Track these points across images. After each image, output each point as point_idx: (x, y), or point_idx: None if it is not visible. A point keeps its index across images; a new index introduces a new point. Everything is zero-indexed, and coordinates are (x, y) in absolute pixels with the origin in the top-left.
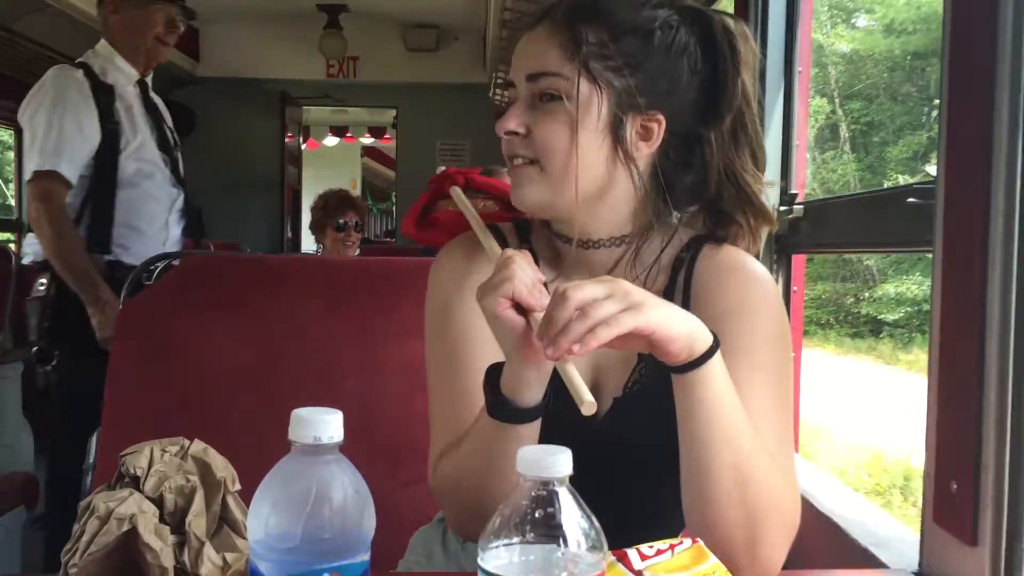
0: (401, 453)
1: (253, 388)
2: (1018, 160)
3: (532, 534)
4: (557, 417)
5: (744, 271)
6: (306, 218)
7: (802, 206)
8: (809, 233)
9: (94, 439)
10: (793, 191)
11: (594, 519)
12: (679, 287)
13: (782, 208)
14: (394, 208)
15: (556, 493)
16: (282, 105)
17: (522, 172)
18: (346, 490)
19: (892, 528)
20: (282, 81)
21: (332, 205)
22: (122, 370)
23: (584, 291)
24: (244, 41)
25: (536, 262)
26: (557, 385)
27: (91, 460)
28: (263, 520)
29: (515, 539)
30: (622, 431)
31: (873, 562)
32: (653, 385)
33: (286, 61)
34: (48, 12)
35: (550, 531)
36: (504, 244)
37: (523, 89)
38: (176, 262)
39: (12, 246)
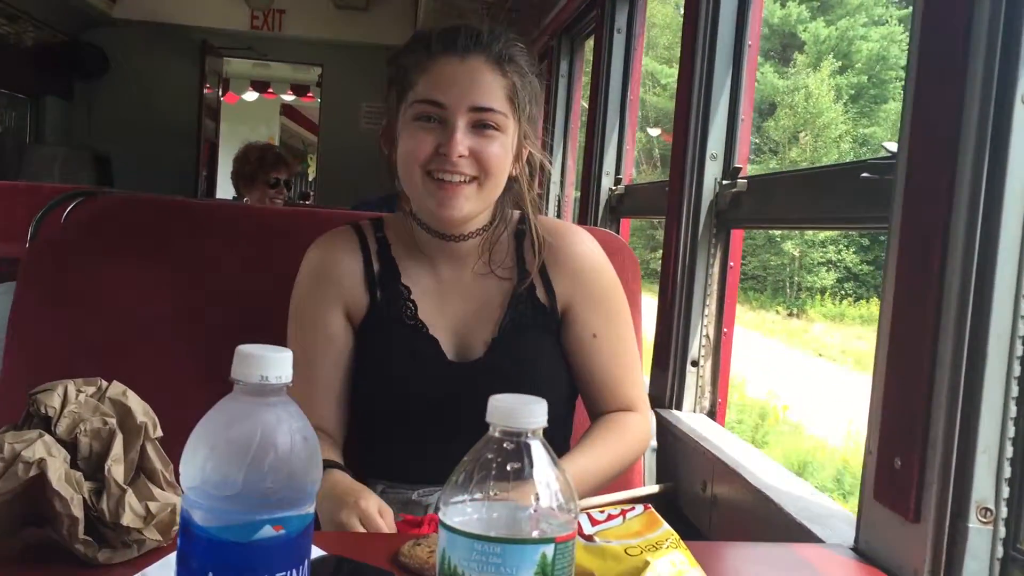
0: None
1: (171, 337)
2: (988, 135)
3: (498, 490)
4: (436, 363)
5: (571, 233)
6: (223, 170)
7: (745, 180)
8: (752, 208)
9: None
10: (736, 165)
11: (567, 476)
12: (527, 252)
13: (724, 182)
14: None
15: (528, 446)
16: (202, 55)
17: (461, 189)
18: (293, 436)
19: (827, 505)
20: (204, 29)
21: (268, 160)
22: (25, 312)
23: None
24: None
25: (389, 249)
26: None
27: None
28: (200, 464)
29: (478, 495)
30: (501, 365)
31: (809, 537)
32: (520, 326)
33: (209, 8)
34: None
35: (519, 487)
36: (363, 237)
37: (461, 114)
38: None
39: None
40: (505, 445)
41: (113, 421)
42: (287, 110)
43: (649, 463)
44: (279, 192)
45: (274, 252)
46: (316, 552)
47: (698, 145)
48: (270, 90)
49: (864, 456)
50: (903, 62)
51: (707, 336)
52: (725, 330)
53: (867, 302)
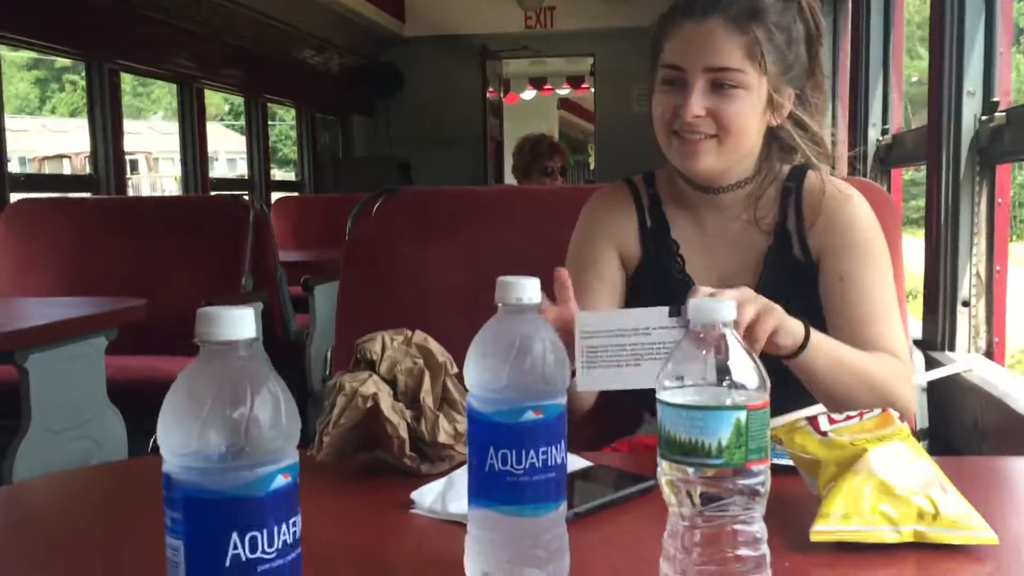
0: None
1: (463, 304)
2: None
3: (701, 376)
4: None
5: (839, 191)
6: (507, 168)
7: (1004, 114)
8: (1017, 140)
9: (329, 352)
10: (995, 99)
11: (758, 362)
12: (791, 209)
13: (983, 118)
14: (590, 160)
15: (724, 336)
16: (482, 59)
17: (701, 146)
18: (544, 342)
19: None
20: (482, 36)
21: (540, 151)
22: (349, 290)
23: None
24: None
25: (660, 205)
26: None
27: (327, 372)
28: (476, 366)
29: (688, 381)
30: None
31: None
32: (779, 281)
33: (486, 16)
34: None
35: (719, 374)
36: (637, 193)
37: (698, 75)
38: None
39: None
40: (703, 336)
41: (420, 361)
42: (564, 103)
43: (921, 404)
44: (554, 179)
45: (547, 226)
46: (581, 462)
47: (954, 83)
48: (547, 86)
49: None
50: None
51: (978, 275)
52: (998, 268)
53: None
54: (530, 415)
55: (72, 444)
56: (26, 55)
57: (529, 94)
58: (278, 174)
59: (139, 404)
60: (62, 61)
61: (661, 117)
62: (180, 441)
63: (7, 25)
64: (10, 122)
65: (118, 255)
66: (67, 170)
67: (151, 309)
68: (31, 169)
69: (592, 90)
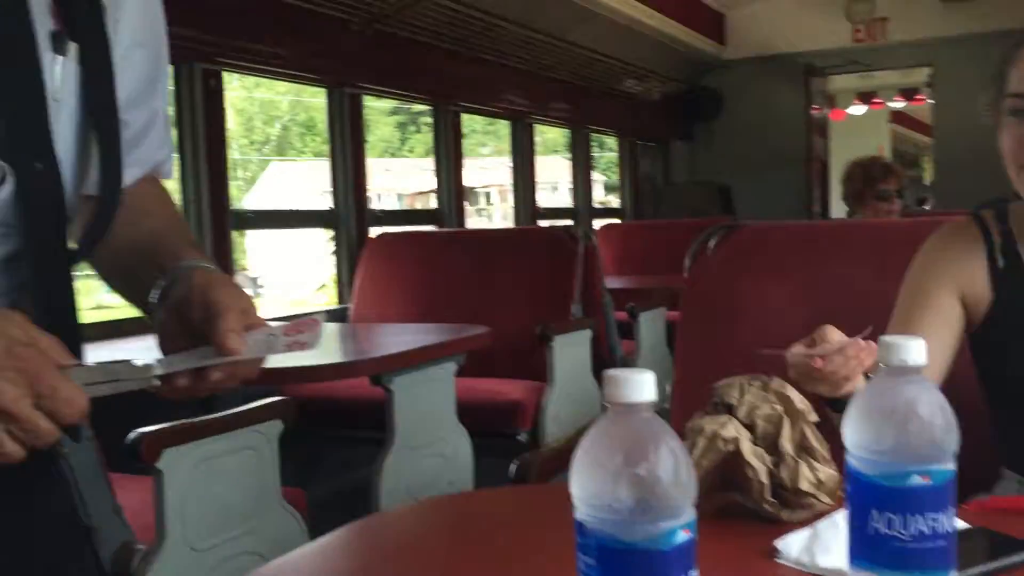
0: None
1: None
2: None
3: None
4: None
5: None
6: (834, 190)
7: None
8: None
9: (668, 384)
10: None
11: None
12: None
13: None
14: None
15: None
16: (806, 77)
17: None
18: (932, 406)
19: None
20: (806, 53)
21: (873, 174)
22: (689, 327)
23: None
24: (767, 19)
25: (1015, 243)
26: None
27: (666, 405)
28: (858, 424)
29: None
30: None
31: None
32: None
33: (810, 32)
34: (597, 21)
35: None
36: (986, 229)
37: None
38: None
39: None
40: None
41: (780, 407)
42: (895, 116)
43: None
44: (891, 203)
45: (889, 261)
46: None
47: None
48: (876, 100)
49: None
50: None
51: None
52: None
53: None
54: (917, 479)
55: (426, 460)
56: (388, 103)
57: (858, 109)
58: (609, 200)
59: (483, 425)
60: (417, 106)
61: (1010, 150)
62: (593, 494)
63: (371, 79)
64: (380, 162)
65: (461, 282)
66: (433, 204)
67: (491, 335)
68: (404, 205)
69: (929, 101)
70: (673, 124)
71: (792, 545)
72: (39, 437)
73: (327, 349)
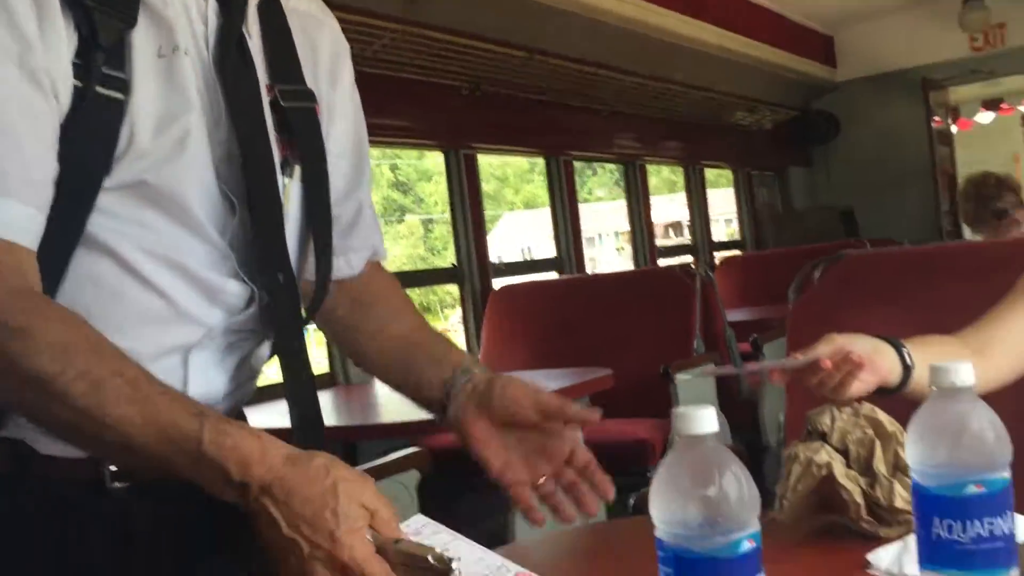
0: None
1: None
2: None
3: None
4: None
5: None
6: None
7: None
8: None
9: (781, 413)
10: None
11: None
12: None
13: None
14: None
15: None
16: (924, 91)
17: None
18: (983, 423)
19: None
20: (922, 67)
21: (986, 192)
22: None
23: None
24: (879, 37)
25: None
26: None
27: (781, 434)
28: (916, 442)
29: None
30: None
31: None
32: None
33: (924, 45)
34: (702, 58)
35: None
36: None
37: None
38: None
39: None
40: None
41: (871, 431)
42: None
43: None
44: (1012, 221)
45: (1008, 284)
46: None
47: None
48: (1003, 105)
49: None
50: None
51: None
52: None
53: None
54: (972, 488)
55: None
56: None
57: (985, 117)
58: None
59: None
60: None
61: None
62: (668, 514)
63: (485, 138)
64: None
65: (582, 327)
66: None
67: (615, 376)
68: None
69: None
70: (788, 151)
71: (883, 557)
72: None
73: None
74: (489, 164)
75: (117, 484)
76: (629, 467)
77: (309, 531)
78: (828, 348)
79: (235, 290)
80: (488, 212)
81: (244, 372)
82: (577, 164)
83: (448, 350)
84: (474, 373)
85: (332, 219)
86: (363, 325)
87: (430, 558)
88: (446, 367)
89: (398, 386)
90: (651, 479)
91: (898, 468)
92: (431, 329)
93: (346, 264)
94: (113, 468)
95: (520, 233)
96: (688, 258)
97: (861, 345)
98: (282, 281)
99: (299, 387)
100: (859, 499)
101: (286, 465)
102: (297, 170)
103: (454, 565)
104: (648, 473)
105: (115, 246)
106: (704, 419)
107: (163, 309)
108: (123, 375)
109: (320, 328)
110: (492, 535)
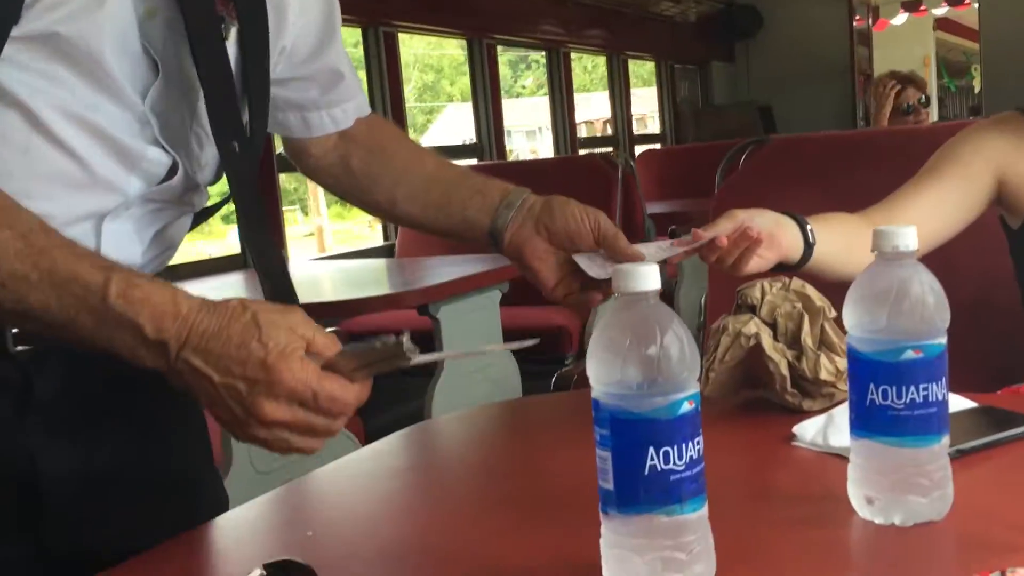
0: None
1: None
2: None
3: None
4: None
5: None
6: None
7: None
8: None
9: (703, 299)
10: None
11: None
12: None
13: None
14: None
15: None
16: None
17: None
18: (923, 285)
19: None
20: None
21: (888, 90)
22: None
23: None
24: None
25: None
26: None
27: (701, 318)
28: (855, 309)
29: None
30: None
31: None
32: None
33: None
34: None
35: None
36: None
37: None
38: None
39: None
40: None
41: (799, 305)
42: (941, 23)
43: None
44: (917, 115)
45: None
46: (966, 403)
47: None
48: (922, 7)
49: None
50: None
51: None
52: None
53: None
54: (909, 354)
55: (475, 386)
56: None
57: (900, 19)
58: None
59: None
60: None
61: None
62: (606, 373)
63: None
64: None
65: None
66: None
67: None
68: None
69: (975, 5)
70: (711, 45)
71: (808, 429)
72: (319, 435)
73: (375, 282)
74: (427, 56)
75: (19, 348)
76: (548, 353)
77: (240, 368)
78: (729, 224)
79: (155, 158)
80: (428, 103)
81: (162, 243)
82: (511, 57)
83: (486, 180)
84: (528, 194)
85: (303, 79)
86: (384, 171)
87: (377, 344)
88: (490, 196)
89: (436, 224)
90: (570, 365)
91: (825, 343)
92: (455, 165)
93: (330, 120)
94: (15, 331)
95: (464, 126)
96: (609, 149)
97: (762, 220)
98: (237, 150)
99: (267, 260)
100: (785, 371)
101: (200, 312)
102: (233, 32)
103: (403, 339)
104: (565, 360)
105: (26, 99)
106: (646, 276)
107: (76, 172)
108: (13, 228)
109: (330, 187)
110: (410, 415)
